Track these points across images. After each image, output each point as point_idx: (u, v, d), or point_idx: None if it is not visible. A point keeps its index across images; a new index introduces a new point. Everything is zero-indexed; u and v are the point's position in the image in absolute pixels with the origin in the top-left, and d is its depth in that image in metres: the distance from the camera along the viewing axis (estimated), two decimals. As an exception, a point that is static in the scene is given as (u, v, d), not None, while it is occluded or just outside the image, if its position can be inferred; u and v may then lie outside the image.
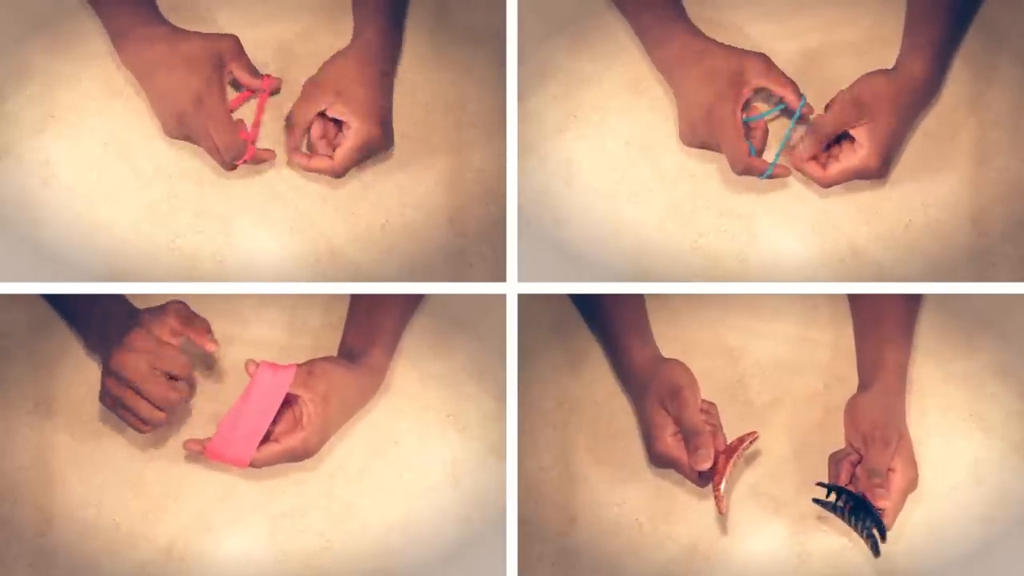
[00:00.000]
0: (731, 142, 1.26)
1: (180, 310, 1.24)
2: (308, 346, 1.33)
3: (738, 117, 1.26)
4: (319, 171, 1.28)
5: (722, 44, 1.29)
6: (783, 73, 1.28)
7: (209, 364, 1.31)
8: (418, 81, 1.34)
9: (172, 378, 1.21)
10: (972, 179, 1.31)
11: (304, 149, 1.30)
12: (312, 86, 1.27)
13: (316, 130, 1.28)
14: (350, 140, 1.26)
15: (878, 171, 1.26)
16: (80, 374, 1.31)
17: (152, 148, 1.31)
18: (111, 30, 1.30)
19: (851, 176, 1.26)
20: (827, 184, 1.27)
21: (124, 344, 1.20)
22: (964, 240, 1.30)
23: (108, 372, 1.21)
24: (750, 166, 1.27)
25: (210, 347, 1.24)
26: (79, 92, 1.32)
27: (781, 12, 1.35)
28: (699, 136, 1.29)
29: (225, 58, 1.28)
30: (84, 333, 1.31)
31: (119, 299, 1.28)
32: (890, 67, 1.27)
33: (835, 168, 1.26)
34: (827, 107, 1.27)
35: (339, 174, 1.28)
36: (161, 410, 1.21)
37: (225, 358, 1.31)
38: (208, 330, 1.25)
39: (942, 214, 1.31)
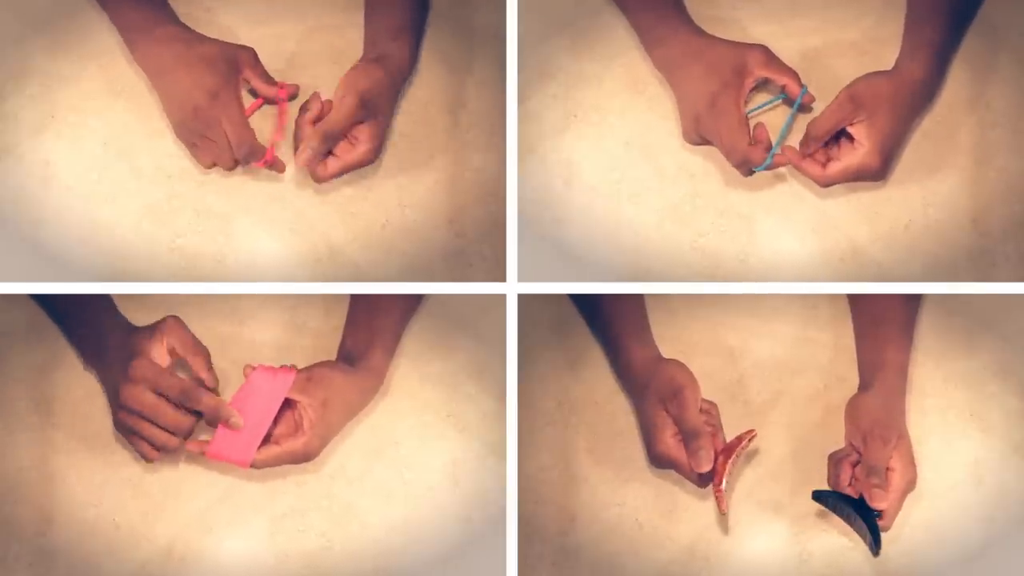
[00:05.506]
0: (732, 131, 1.26)
1: (177, 329, 1.25)
2: (308, 346, 1.33)
3: (741, 107, 1.27)
4: (307, 170, 1.27)
5: (723, 39, 1.29)
6: (784, 63, 1.29)
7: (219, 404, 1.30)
8: (418, 81, 1.34)
9: (186, 404, 1.23)
10: (972, 179, 1.31)
11: (290, 138, 1.30)
12: (356, 98, 1.25)
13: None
14: (352, 159, 1.27)
15: (879, 171, 1.26)
16: (80, 375, 1.31)
17: (152, 148, 1.31)
18: (123, 29, 1.30)
19: (852, 176, 1.26)
20: (826, 183, 1.27)
21: (128, 377, 1.21)
22: (964, 240, 1.30)
23: (119, 406, 1.22)
24: (748, 157, 1.27)
25: (211, 383, 1.26)
26: (79, 92, 1.32)
27: (782, 12, 1.36)
28: (702, 129, 1.28)
29: (241, 64, 1.28)
30: (79, 347, 1.31)
31: (109, 311, 1.28)
32: (890, 68, 1.27)
33: (835, 167, 1.26)
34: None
35: (320, 181, 1.28)
36: (174, 435, 1.23)
37: (225, 358, 1.31)
38: (209, 365, 1.26)
39: (942, 214, 1.31)
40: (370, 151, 1.27)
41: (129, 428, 1.23)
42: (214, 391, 1.27)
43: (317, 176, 1.27)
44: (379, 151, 1.28)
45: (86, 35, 1.33)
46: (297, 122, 1.28)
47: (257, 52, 1.30)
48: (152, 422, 1.22)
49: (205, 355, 1.26)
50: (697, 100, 1.28)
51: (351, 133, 1.27)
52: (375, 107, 1.26)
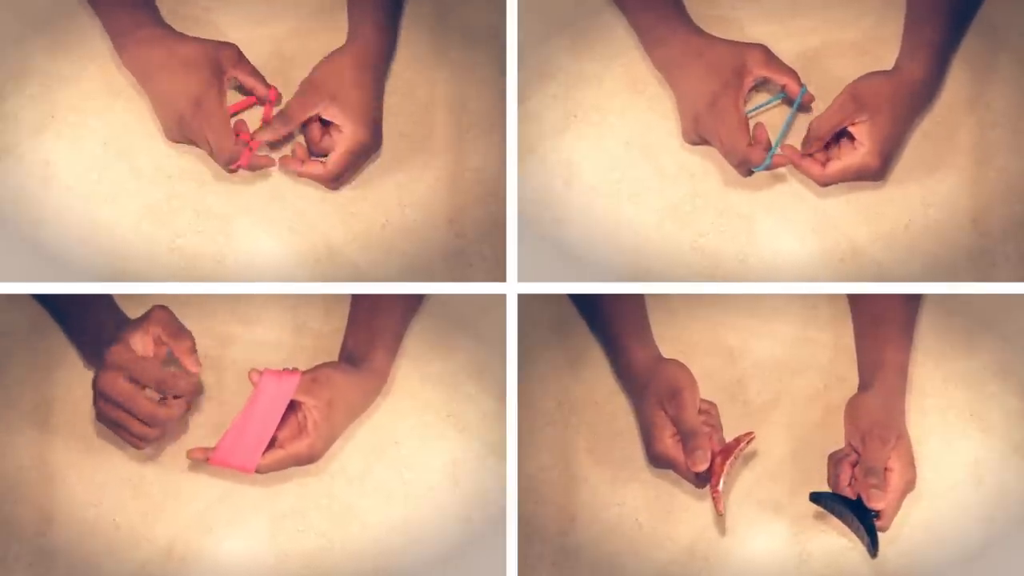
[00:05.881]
0: (732, 131, 1.26)
1: (163, 318, 1.23)
2: (309, 346, 1.33)
3: (741, 107, 1.27)
4: (312, 178, 1.28)
5: (722, 39, 1.29)
6: (783, 63, 1.29)
7: (197, 389, 1.30)
8: (418, 81, 1.34)
9: (162, 391, 1.21)
10: (972, 179, 1.31)
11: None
12: (308, 86, 1.27)
13: (313, 134, 1.28)
14: (342, 145, 1.26)
15: (878, 171, 1.26)
16: (80, 374, 1.31)
17: (152, 148, 1.31)
18: (112, 32, 1.30)
19: (851, 175, 1.26)
20: (826, 183, 1.27)
21: (105, 364, 1.20)
22: (964, 240, 1.30)
23: (96, 392, 1.21)
24: (747, 157, 1.27)
25: (192, 368, 1.23)
26: (79, 92, 1.32)
27: (781, 12, 1.35)
28: (702, 129, 1.28)
29: (224, 64, 1.27)
30: (80, 347, 1.31)
31: (111, 309, 1.28)
32: (890, 68, 1.27)
33: (835, 167, 1.26)
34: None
35: (332, 180, 1.28)
36: (151, 426, 1.21)
37: (225, 358, 1.31)
38: (192, 349, 1.24)
39: (942, 214, 1.31)
40: (355, 132, 1.26)
41: (108, 417, 1.21)
42: (194, 376, 1.24)
43: (329, 179, 1.27)
44: (371, 130, 1.27)
45: (86, 36, 1.33)
46: (308, 142, 1.29)
47: (254, 52, 1.30)
48: (128, 412, 1.20)
49: (188, 340, 1.24)
50: (697, 100, 1.28)
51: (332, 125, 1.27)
52: (347, 98, 1.26)
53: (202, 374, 1.25)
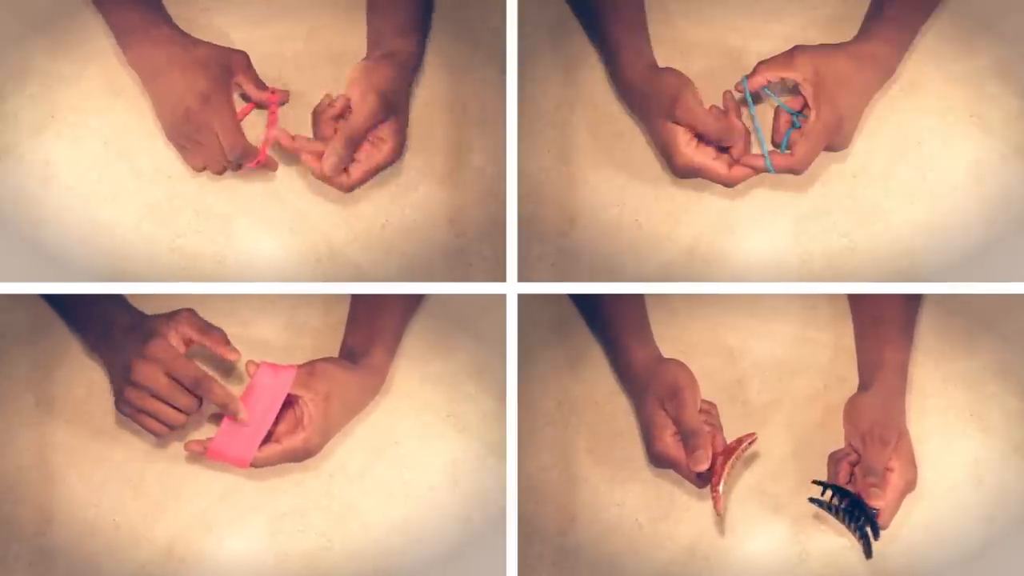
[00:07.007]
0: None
1: (193, 319, 1.25)
2: (308, 346, 1.33)
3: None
4: (332, 184, 1.26)
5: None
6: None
7: (227, 371, 1.32)
8: (418, 81, 1.34)
9: (197, 390, 1.23)
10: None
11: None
12: (375, 95, 1.24)
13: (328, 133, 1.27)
14: (378, 160, 1.25)
15: (842, 141, 1.25)
16: (81, 374, 1.31)
17: (152, 148, 1.31)
18: (117, 29, 1.30)
19: (819, 150, 1.25)
20: (800, 168, 1.26)
21: (144, 355, 1.21)
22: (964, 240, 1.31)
23: (129, 383, 1.22)
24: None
25: (231, 356, 1.26)
26: (79, 92, 1.32)
27: (762, 12, 1.36)
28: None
29: (234, 68, 1.28)
30: (84, 334, 1.31)
31: (120, 302, 1.28)
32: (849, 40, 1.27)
33: (803, 147, 1.25)
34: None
35: (350, 190, 1.27)
36: (183, 413, 1.23)
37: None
38: (225, 340, 1.26)
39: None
40: (394, 149, 1.26)
41: (136, 406, 1.22)
42: (233, 366, 1.29)
43: (343, 185, 1.26)
44: (402, 149, 1.27)
45: (86, 35, 1.33)
46: (317, 122, 1.27)
47: (255, 53, 1.30)
48: (164, 401, 1.22)
49: (219, 333, 1.26)
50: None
51: (373, 133, 1.25)
52: (395, 104, 1.25)
53: (238, 361, 1.27)
